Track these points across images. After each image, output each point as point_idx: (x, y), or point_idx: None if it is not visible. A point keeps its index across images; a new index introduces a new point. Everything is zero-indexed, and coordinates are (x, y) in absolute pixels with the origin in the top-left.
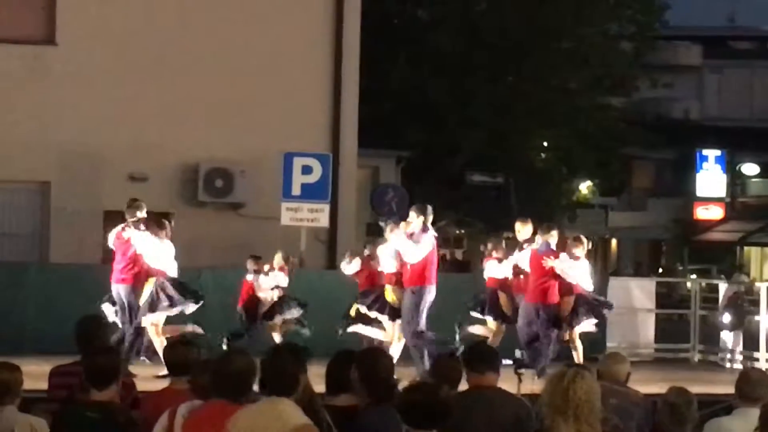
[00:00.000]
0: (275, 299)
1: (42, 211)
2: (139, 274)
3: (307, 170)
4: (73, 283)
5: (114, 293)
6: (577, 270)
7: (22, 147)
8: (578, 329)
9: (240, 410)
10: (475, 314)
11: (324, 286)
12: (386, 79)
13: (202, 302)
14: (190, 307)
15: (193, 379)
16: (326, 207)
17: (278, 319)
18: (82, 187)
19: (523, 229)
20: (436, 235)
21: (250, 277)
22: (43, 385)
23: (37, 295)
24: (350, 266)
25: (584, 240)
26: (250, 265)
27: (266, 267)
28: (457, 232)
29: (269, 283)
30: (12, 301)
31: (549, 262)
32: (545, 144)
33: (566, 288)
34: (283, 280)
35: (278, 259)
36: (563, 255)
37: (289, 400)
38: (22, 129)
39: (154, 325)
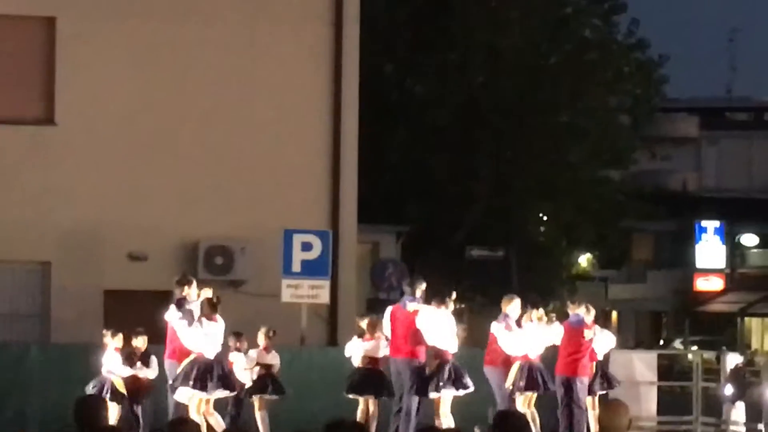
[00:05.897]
0: (254, 378)
1: (43, 291)
2: (176, 351)
3: (307, 247)
4: (74, 363)
5: None
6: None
7: (22, 227)
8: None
9: None
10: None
11: (325, 363)
12: (385, 155)
13: (230, 392)
14: (218, 393)
15: None
16: (327, 283)
17: (255, 398)
18: (82, 266)
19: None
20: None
21: (232, 356)
22: None
23: (38, 375)
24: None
25: (591, 308)
26: (231, 342)
27: (245, 345)
28: (458, 306)
29: (248, 363)
30: (13, 381)
31: (588, 334)
32: (545, 217)
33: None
34: (266, 358)
35: (261, 337)
36: (596, 327)
37: None
38: (22, 209)
39: (197, 401)
